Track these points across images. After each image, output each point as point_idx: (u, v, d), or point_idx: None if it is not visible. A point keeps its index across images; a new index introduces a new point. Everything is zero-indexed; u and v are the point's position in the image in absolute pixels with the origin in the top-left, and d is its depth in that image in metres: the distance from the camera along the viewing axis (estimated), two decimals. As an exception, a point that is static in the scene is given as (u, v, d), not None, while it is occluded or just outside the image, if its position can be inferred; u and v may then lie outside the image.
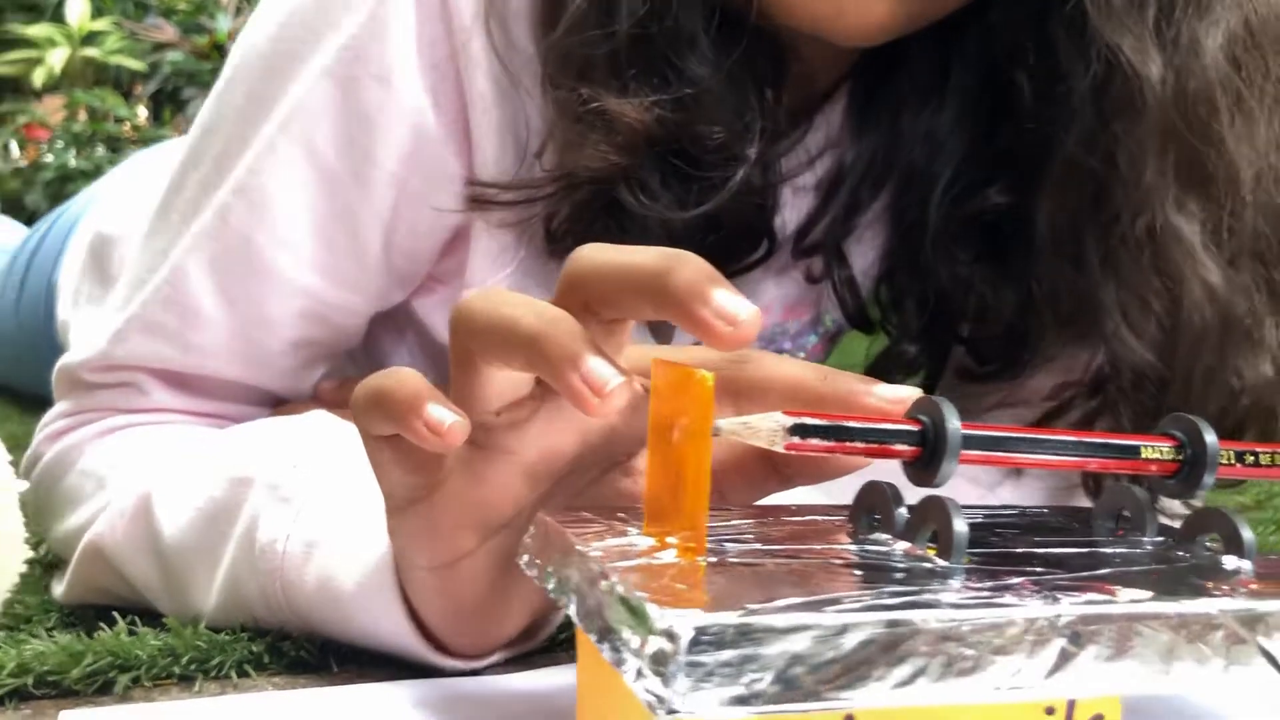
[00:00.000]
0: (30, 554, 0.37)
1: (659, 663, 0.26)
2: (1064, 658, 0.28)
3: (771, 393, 0.37)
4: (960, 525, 0.32)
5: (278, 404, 0.61)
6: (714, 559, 0.31)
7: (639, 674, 0.26)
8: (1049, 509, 0.42)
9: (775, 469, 0.39)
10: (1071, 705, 0.31)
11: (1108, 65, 0.49)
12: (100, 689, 0.44)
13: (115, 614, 0.50)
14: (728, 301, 0.31)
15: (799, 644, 0.26)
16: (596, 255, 0.34)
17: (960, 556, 0.32)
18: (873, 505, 0.35)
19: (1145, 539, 0.37)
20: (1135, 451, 0.36)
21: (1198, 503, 0.40)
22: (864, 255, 0.65)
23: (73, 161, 3.19)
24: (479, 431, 0.36)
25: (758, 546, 0.33)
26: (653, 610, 0.26)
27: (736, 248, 0.58)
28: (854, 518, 0.36)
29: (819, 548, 0.33)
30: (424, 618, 0.42)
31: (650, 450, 0.33)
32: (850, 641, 0.26)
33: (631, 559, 0.30)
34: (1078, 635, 0.28)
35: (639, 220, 0.52)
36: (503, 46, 0.53)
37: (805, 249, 0.63)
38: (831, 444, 0.33)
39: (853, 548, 0.33)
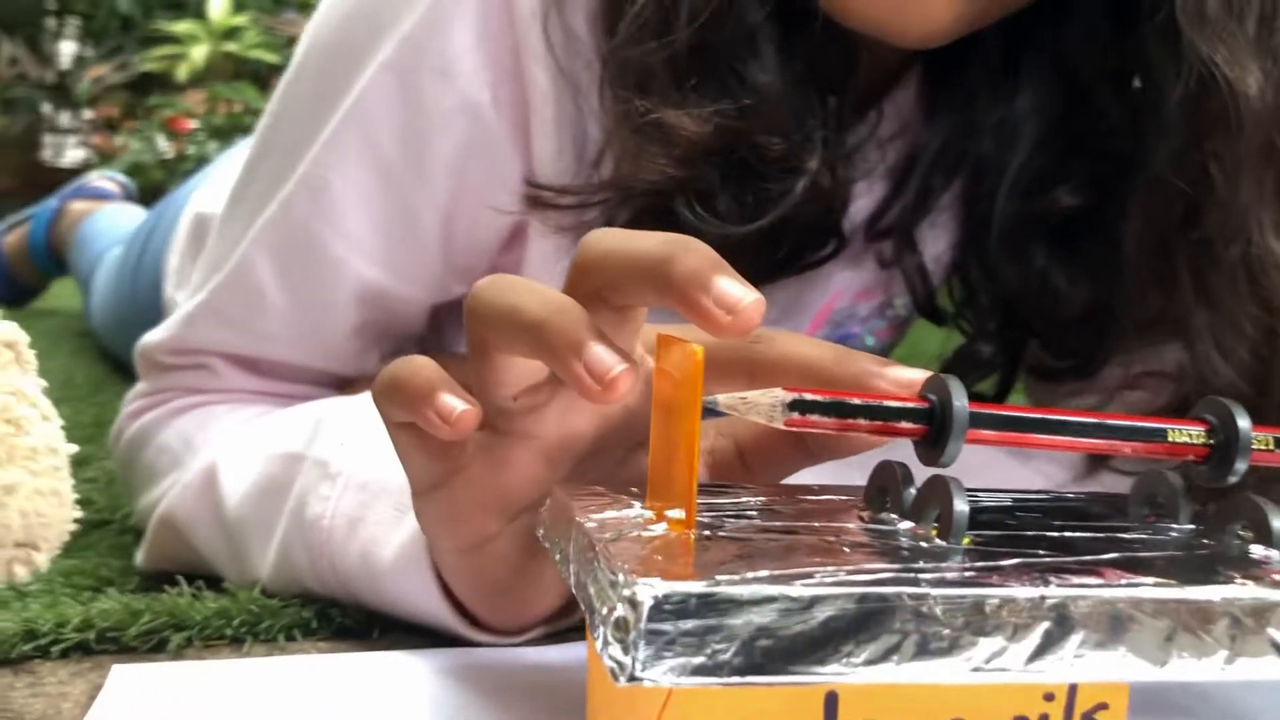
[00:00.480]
0: (79, 514, 0.39)
1: (620, 630, 0.26)
2: (1049, 641, 0.27)
3: (785, 372, 0.36)
4: (961, 506, 0.31)
5: (344, 385, 0.63)
6: (706, 533, 0.31)
7: (605, 641, 0.26)
8: (1089, 495, 0.40)
9: (801, 444, 0.38)
10: (1072, 691, 0.30)
11: (1200, 78, 0.46)
12: (155, 647, 0.46)
13: (181, 579, 0.53)
14: (729, 289, 0.31)
15: (765, 616, 0.26)
16: (604, 241, 0.34)
17: (959, 537, 0.31)
18: (884, 485, 0.35)
19: (1174, 526, 0.35)
20: (1162, 435, 0.34)
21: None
22: (936, 243, 0.64)
23: (213, 153, 3.32)
24: (497, 416, 0.36)
25: (758, 522, 0.33)
26: (619, 578, 0.27)
27: (801, 248, 0.57)
28: (867, 497, 0.36)
29: (819, 525, 0.33)
30: (457, 595, 0.43)
31: (652, 424, 0.34)
32: (819, 615, 0.26)
33: (621, 530, 0.31)
34: (1064, 619, 0.27)
35: (696, 230, 0.52)
36: (562, 45, 0.53)
37: (876, 234, 0.62)
38: (832, 421, 0.32)
39: (852, 526, 0.33)
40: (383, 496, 0.47)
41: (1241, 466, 0.34)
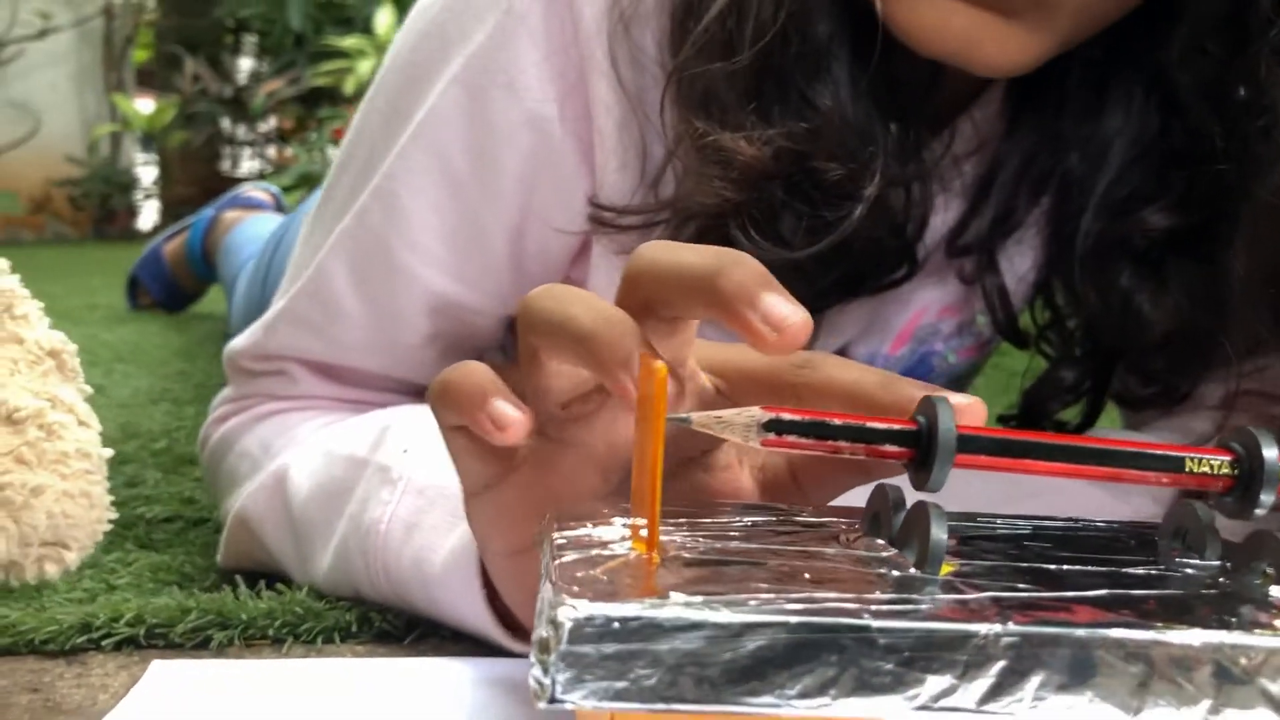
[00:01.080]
0: (114, 515, 0.40)
1: (543, 650, 0.26)
2: (1006, 681, 0.26)
3: (830, 398, 0.35)
4: (938, 535, 0.30)
5: (423, 394, 0.64)
6: (670, 555, 0.30)
7: (531, 661, 0.26)
8: (1124, 524, 0.38)
9: (856, 462, 0.37)
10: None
11: None
12: (201, 644, 0.48)
13: (239, 579, 0.55)
14: (776, 306, 0.30)
15: (691, 643, 0.25)
16: (654, 253, 0.34)
17: (935, 567, 0.30)
18: (877, 510, 0.34)
19: (1193, 562, 0.33)
20: (1178, 465, 0.32)
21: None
22: (1021, 261, 0.61)
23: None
24: (548, 424, 0.36)
25: (733, 545, 0.32)
26: (548, 598, 0.26)
27: (872, 270, 0.56)
28: (863, 522, 0.34)
29: (793, 550, 0.32)
30: (505, 599, 0.43)
31: (635, 440, 0.33)
32: (749, 644, 0.25)
33: (584, 549, 0.30)
34: (1023, 658, 0.26)
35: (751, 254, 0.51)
36: (627, 61, 0.53)
37: (958, 250, 0.60)
38: (811, 442, 0.31)
39: (831, 552, 0.31)
40: (439, 503, 0.48)
41: (1267, 500, 0.32)
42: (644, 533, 0.31)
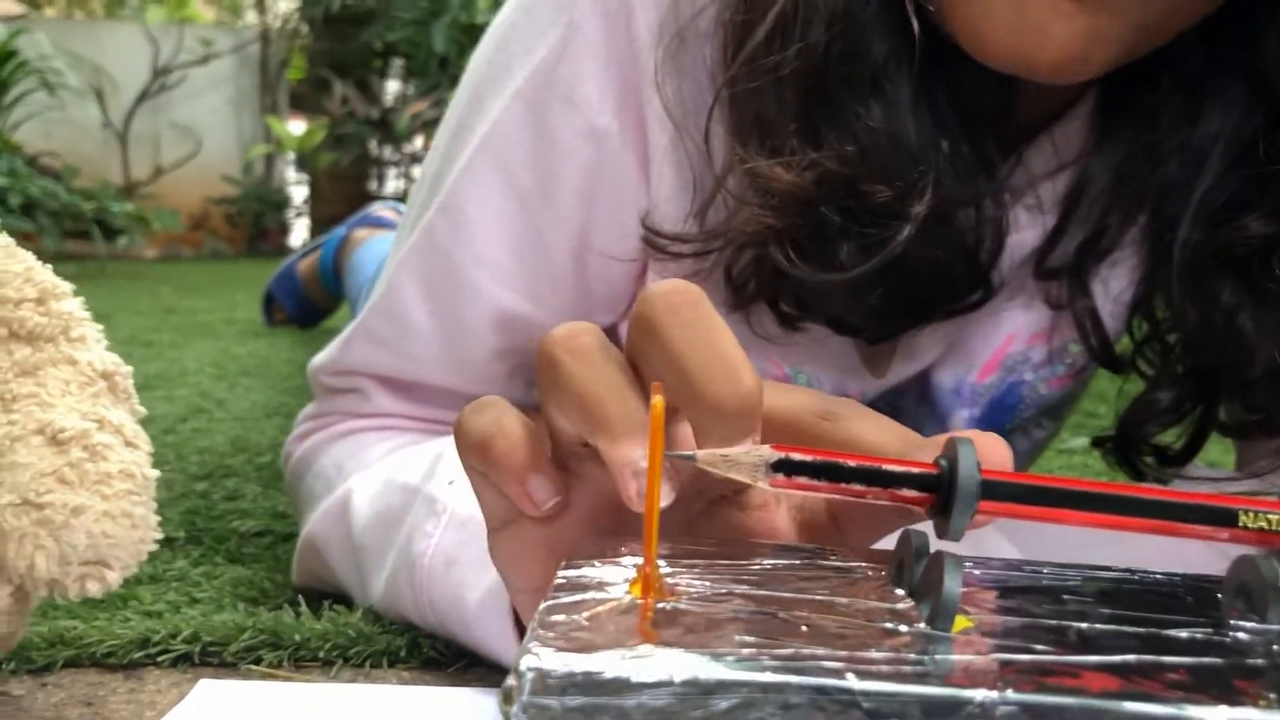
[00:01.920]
0: (159, 536, 0.41)
1: (506, 700, 0.25)
2: (1000, 755, 0.24)
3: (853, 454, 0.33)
4: (951, 588, 0.28)
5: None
6: (670, 598, 0.29)
7: (498, 711, 0.25)
8: (1184, 577, 0.35)
9: (895, 505, 0.35)
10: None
11: None
12: (253, 663, 0.48)
13: (302, 599, 0.55)
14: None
15: (659, 699, 0.24)
16: (672, 336, 0.32)
17: (947, 623, 0.28)
18: (901, 558, 0.32)
19: (1251, 626, 0.30)
20: (1230, 518, 0.29)
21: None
22: (1117, 283, 0.58)
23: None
24: (568, 458, 0.36)
25: (742, 589, 0.30)
26: (521, 646, 0.25)
27: (939, 295, 0.53)
28: (890, 570, 0.32)
29: (809, 598, 0.30)
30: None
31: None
32: (721, 704, 0.24)
33: (580, 590, 0.29)
34: (1020, 730, 0.24)
35: (794, 278, 0.49)
36: (677, 81, 0.51)
37: (1046, 272, 0.57)
38: (823, 484, 0.30)
39: (843, 602, 0.30)
40: (480, 537, 0.47)
41: (1330, 560, 0.29)
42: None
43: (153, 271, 3.76)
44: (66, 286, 0.44)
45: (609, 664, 0.24)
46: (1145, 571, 0.36)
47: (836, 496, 0.30)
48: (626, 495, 0.31)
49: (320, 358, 0.64)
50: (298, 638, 0.49)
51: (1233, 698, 0.25)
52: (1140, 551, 0.44)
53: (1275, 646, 0.29)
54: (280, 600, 0.61)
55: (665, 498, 0.31)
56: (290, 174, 5.62)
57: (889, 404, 0.60)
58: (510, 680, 0.25)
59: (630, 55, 0.52)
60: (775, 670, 0.24)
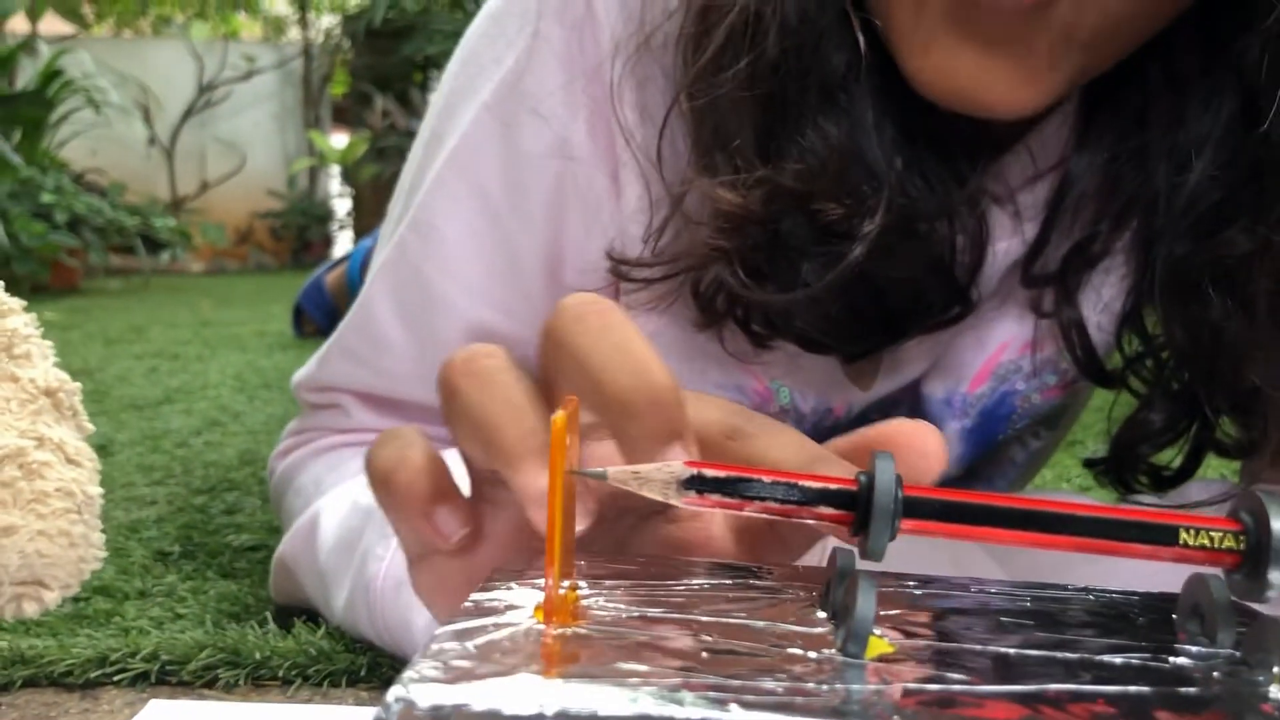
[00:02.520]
0: (103, 554, 0.41)
1: (375, 733, 0.23)
2: (896, 793, 0.22)
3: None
4: (864, 612, 0.26)
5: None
6: (577, 624, 0.28)
7: (370, 743, 0.24)
8: (1142, 596, 0.33)
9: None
10: None
11: None
12: (208, 683, 0.47)
13: (268, 614, 0.55)
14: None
15: (532, 732, 0.23)
16: (579, 341, 0.31)
17: (859, 648, 0.26)
18: (829, 579, 0.30)
19: (1196, 650, 0.28)
20: (1171, 536, 0.28)
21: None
22: (1110, 291, 0.55)
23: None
24: (483, 487, 0.34)
25: (656, 612, 0.29)
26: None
27: (913, 311, 0.52)
28: (822, 591, 0.31)
29: (727, 621, 0.28)
30: None
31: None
32: (596, 737, 0.23)
33: (483, 615, 0.28)
34: (915, 767, 0.22)
35: (745, 299, 0.48)
36: (637, 95, 0.50)
37: (1033, 280, 0.55)
38: (736, 501, 0.28)
39: (759, 626, 0.28)
40: None
41: (1276, 579, 0.27)
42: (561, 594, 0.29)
43: (196, 285, 3.81)
44: (14, 303, 0.44)
45: (480, 695, 0.23)
46: (1102, 591, 0.34)
47: (752, 515, 0.29)
48: (533, 521, 0.30)
49: (301, 373, 0.64)
50: (258, 656, 0.48)
51: (1153, 730, 0.23)
52: (1134, 568, 0.42)
53: (1216, 673, 0.27)
54: (262, 615, 0.60)
55: (582, 520, 0.30)
56: (333, 187, 5.68)
57: (882, 415, 0.58)
58: (379, 712, 0.24)
59: (596, 66, 0.51)
60: (656, 701, 0.23)
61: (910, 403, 0.58)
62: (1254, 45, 0.46)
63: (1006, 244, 0.53)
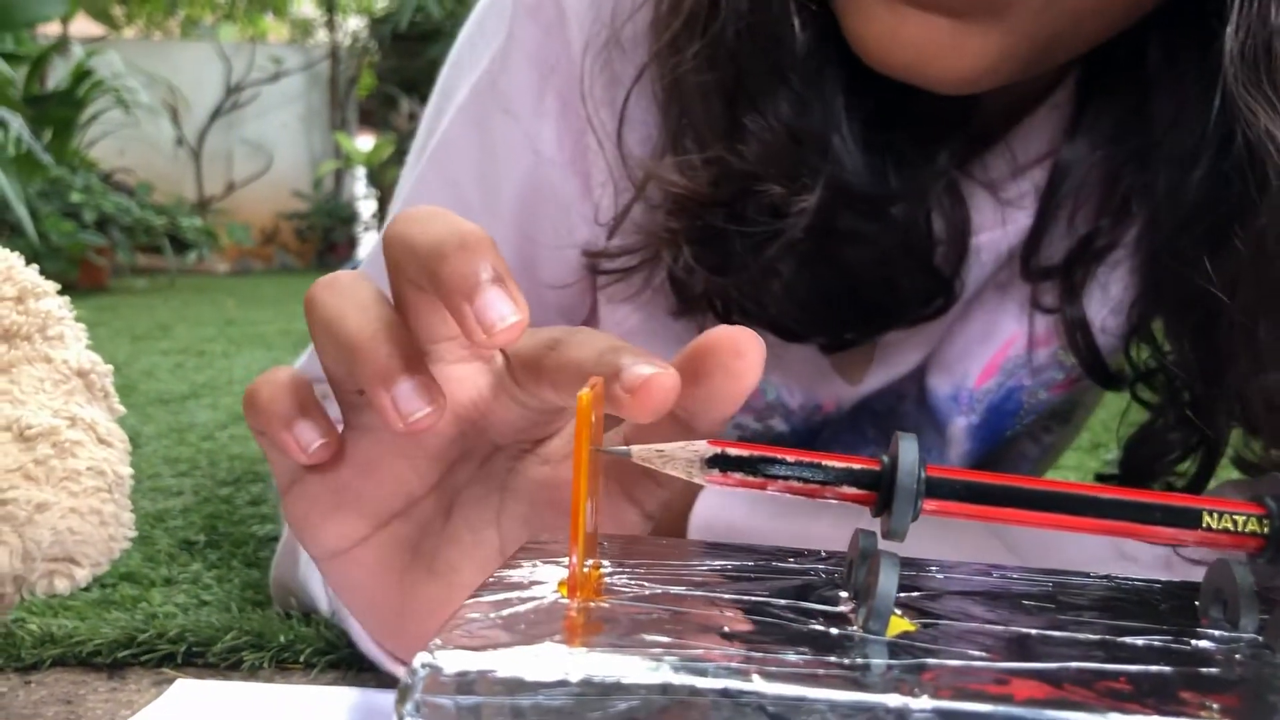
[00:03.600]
0: (132, 533, 0.41)
1: (401, 699, 0.24)
2: (913, 765, 0.22)
3: (566, 379, 0.32)
4: (886, 589, 0.26)
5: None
6: (599, 600, 0.28)
7: (392, 710, 0.24)
8: (1165, 583, 0.33)
9: (682, 422, 0.33)
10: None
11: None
12: (233, 665, 0.48)
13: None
14: (491, 306, 0.29)
15: (555, 700, 0.23)
16: (403, 227, 0.31)
17: (880, 625, 0.26)
18: (851, 557, 0.30)
19: (1218, 634, 0.28)
20: (1194, 519, 0.28)
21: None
22: (1117, 285, 0.54)
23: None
24: (348, 410, 0.35)
25: (679, 590, 0.29)
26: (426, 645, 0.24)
27: (892, 305, 0.51)
28: (844, 572, 0.31)
29: (747, 599, 0.29)
30: (356, 620, 0.40)
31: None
32: (619, 704, 0.23)
33: (508, 590, 0.28)
34: (932, 740, 0.22)
35: (685, 284, 0.48)
36: (606, 97, 0.50)
37: (1033, 273, 0.54)
38: (760, 480, 0.28)
39: (780, 604, 0.28)
40: None
41: (1299, 564, 0.27)
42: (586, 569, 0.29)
43: (222, 285, 3.83)
44: (48, 286, 0.44)
45: (505, 662, 0.23)
46: (1124, 578, 0.34)
47: (775, 493, 0.29)
48: (386, 419, 0.30)
49: (294, 366, 0.64)
50: (282, 639, 0.48)
51: (1172, 708, 0.23)
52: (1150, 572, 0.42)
53: (1238, 656, 0.27)
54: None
55: (433, 415, 0.30)
56: (359, 189, 5.71)
57: (889, 409, 0.58)
58: (405, 678, 0.24)
59: (567, 65, 0.51)
60: (678, 671, 0.23)
61: (915, 398, 0.58)
62: (1222, 39, 0.45)
63: (989, 235, 0.52)
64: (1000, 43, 0.41)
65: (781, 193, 0.45)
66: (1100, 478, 0.56)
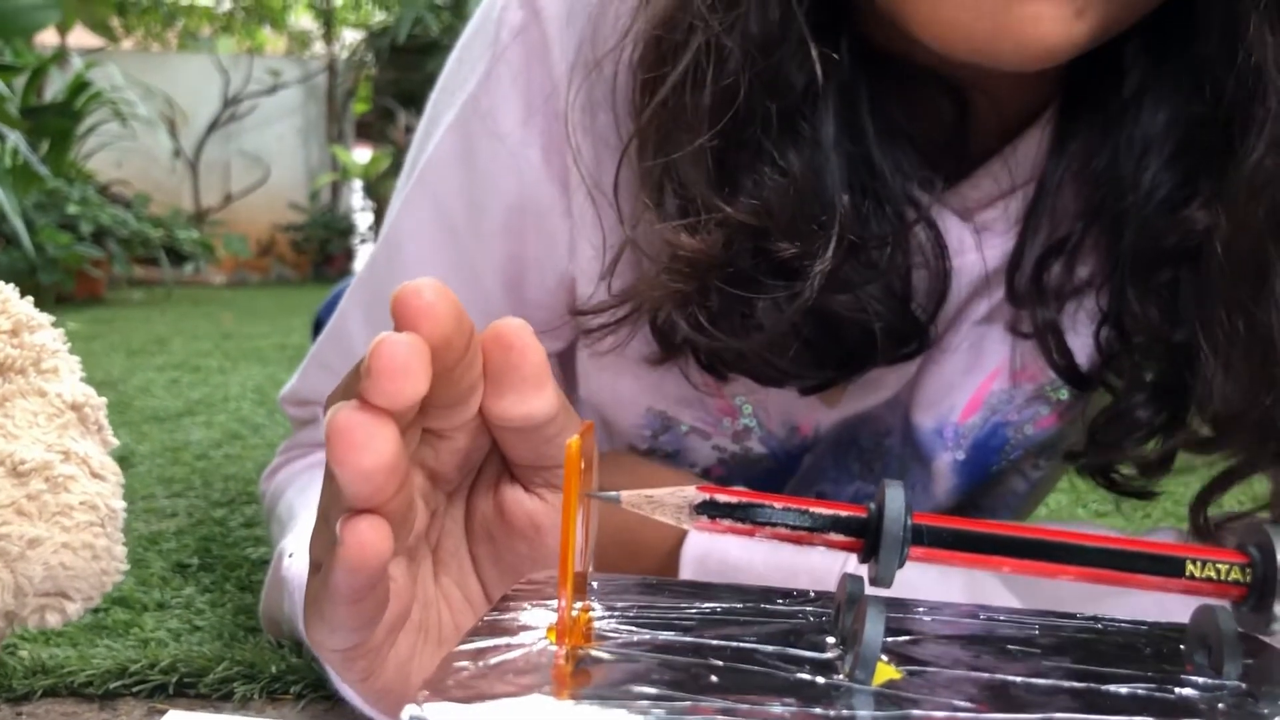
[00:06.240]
0: (125, 566, 0.41)
1: (388, 750, 0.24)
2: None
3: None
4: (872, 637, 0.27)
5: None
6: (587, 646, 0.28)
7: (384, 759, 0.24)
8: (1152, 625, 0.33)
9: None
10: None
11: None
12: (225, 696, 0.48)
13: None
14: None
15: (534, 752, 0.23)
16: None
17: (867, 674, 0.26)
18: (840, 603, 0.31)
19: (1202, 681, 0.28)
20: (1177, 568, 0.28)
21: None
22: (1089, 299, 0.54)
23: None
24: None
25: (667, 636, 0.29)
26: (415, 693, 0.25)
27: (868, 351, 0.51)
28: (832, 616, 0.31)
29: (736, 645, 0.29)
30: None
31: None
32: (597, 757, 0.23)
33: (496, 635, 0.29)
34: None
35: (697, 345, 0.48)
36: (588, 130, 0.50)
37: (1016, 296, 0.54)
38: (748, 526, 0.29)
39: (767, 650, 0.29)
40: None
41: (1281, 613, 0.27)
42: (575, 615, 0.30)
43: (218, 297, 3.83)
44: (43, 318, 0.44)
45: (493, 715, 0.24)
46: (1110, 620, 0.34)
47: (763, 539, 0.29)
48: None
49: (285, 388, 0.65)
50: (274, 670, 0.49)
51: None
52: (1143, 605, 0.42)
53: (1221, 705, 0.27)
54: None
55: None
56: (356, 201, 5.71)
57: (874, 445, 0.58)
58: (394, 728, 0.24)
59: (550, 92, 0.51)
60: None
61: (900, 433, 0.58)
62: (1210, 37, 0.45)
63: (960, 260, 0.52)
64: (1083, 9, 0.41)
65: (794, 252, 0.45)
66: (1068, 456, 0.56)
